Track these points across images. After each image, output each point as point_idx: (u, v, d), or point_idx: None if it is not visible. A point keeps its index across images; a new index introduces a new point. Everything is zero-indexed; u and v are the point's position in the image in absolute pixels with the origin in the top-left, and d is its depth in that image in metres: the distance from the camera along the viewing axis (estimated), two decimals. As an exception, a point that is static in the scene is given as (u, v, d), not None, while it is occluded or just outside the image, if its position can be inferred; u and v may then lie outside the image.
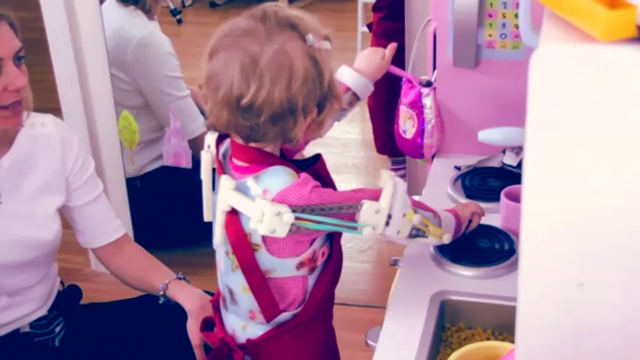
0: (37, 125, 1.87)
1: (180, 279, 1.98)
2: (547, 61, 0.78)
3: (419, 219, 1.50)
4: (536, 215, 0.86)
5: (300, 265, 1.49)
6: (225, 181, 1.44)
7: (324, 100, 1.43)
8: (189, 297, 1.92)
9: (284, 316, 1.54)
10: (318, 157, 1.54)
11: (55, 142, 1.91)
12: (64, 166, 1.93)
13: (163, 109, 2.94)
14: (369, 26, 3.58)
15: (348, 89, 1.77)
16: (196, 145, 2.89)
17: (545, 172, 0.83)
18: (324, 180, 1.50)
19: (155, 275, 1.99)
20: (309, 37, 1.38)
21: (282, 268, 1.48)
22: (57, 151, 1.92)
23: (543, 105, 0.80)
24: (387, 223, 1.43)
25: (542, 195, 0.85)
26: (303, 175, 1.42)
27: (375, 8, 3.41)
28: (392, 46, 1.87)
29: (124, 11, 2.91)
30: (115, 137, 2.89)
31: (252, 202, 1.38)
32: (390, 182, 1.44)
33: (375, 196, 1.44)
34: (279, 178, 1.41)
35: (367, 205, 1.41)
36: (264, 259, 1.47)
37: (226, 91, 1.37)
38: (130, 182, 3.01)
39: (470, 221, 1.68)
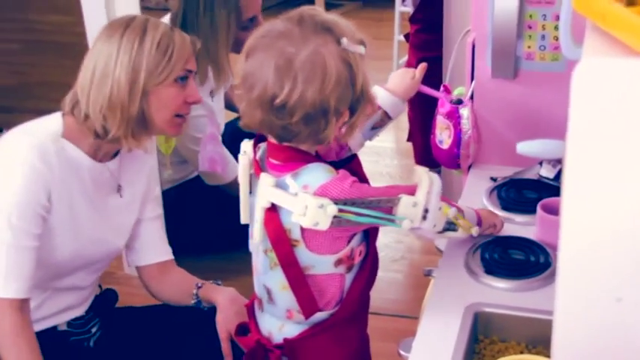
0: None
1: (216, 284, 2.02)
2: (590, 74, 0.78)
3: (454, 212, 1.56)
4: (576, 228, 0.85)
5: (338, 263, 1.51)
6: (265, 178, 1.46)
7: (357, 103, 1.45)
8: (221, 293, 1.98)
9: (321, 316, 1.55)
10: (354, 157, 1.58)
11: (144, 158, 2.03)
12: (148, 180, 2.04)
13: (192, 160, 2.97)
14: (406, 36, 3.58)
15: (379, 108, 1.79)
16: (231, 186, 2.89)
17: (585, 185, 0.83)
18: (360, 178, 1.52)
19: (192, 286, 2.02)
20: (344, 40, 1.40)
21: (320, 264, 1.50)
22: (145, 165, 2.04)
23: (585, 118, 0.80)
24: (424, 217, 1.47)
25: (582, 208, 0.84)
26: (342, 170, 1.46)
27: (412, 20, 3.41)
28: (422, 66, 1.90)
29: None
30: (153, 150, 2.90)
31: (294, 197, 1.41)
32: (425, 177, 1.48)
33: (411, 191, 1.47)
34: (318, 173, 1.44)
35: (405, 199, 1.45)
36: (303, 255, 1.48)
37: (260, 90, 1.39)
38: (165, 193, 3.02)
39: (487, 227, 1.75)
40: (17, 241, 1.72)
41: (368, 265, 1.56)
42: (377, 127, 1.83)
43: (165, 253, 2.11)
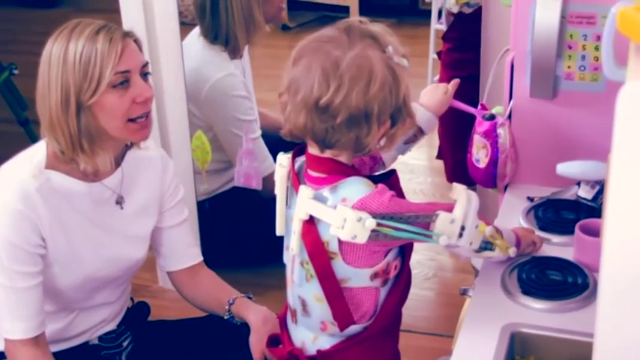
0: (142, 148, 1.92)
1: (247, 298, 2.01)
2: (635, 96, 0.78)
3: (491, 231, 1.55)
4: (618, 250, 0.85)
5: (374, 276, 1.52)
6: (304, 190, 1.48)
7: (398, 113, 1.47)
8: (253, 311, 1.95)
9: (355, 329, 1.56)
10: (392, 172, 1.59)
11: (156, 165, 1.98)
12: (162, 187, 1.99)
13: (233, 149, 2.97)
14: (439, 54, 3.57)
15: None
16: (266, 184, 2.91)
17: (629, 207, 0.82)
18: (398, 193, 1.52)
19: (224, 296, 2.01)
20: (389, 48, 1.44)
21: (356, 277, 1.51)
22: (158, 172, 1.98)
23: (629, 140, 0.79)
24: (461, 235, 1.48)
25: (624, 230, 0.84)
26: (380, 185, 1.47)
27: (445, 38, 3.39)
28: (454, 82, 1.91)
29: (208, 49, 2.94)
30: (188, 160, 2.92)
31: (332, 210, 1.43)
32: (463, 194, 1.49)
33: (449, 208, 1.49)
34: (357, 187, 1.46)
35: (443, 216, 1.46)
36: (340, 268, 1.50)
37: (306, 93, 1.42)
38: (200, 204, 3.04)
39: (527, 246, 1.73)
40: (13, 282, 1.73)
41: (403, 280, 1.58)
42: (410, 142, 1.84)
43: (194, 257, 2.09)
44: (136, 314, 2.13)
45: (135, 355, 2.06)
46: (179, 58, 2.81)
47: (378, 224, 1.41)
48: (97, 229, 1.87)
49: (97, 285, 1.91)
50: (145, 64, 1.81)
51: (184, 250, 2.07)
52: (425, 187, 3.85)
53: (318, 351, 1.60)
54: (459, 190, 1.50)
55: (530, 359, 1.51)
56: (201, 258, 2.11)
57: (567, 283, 1.64)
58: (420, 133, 1.84)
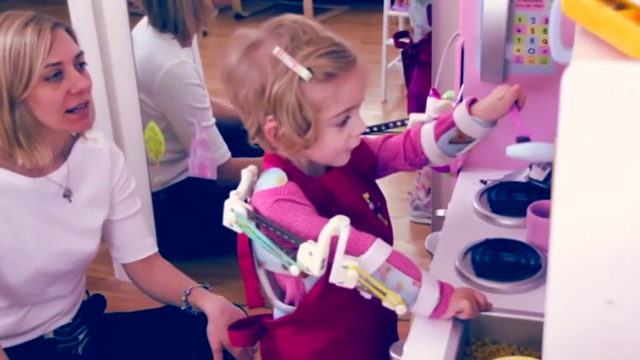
0: (89, 141, 1.91)
1: (204, 288, 2.00)
2: (580, 77, 0.78)
3: (354, 276, 1.37)
4: (566, 230, 0.86)
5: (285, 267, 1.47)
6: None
7: (277, 114, 1.45)
8: (210, 301, 1.95)
9: (292, 309, 1.58)
10: (328, 169, 1.56)
11: (105, 157, 1.96)
12: (111, 179, 1.98)
13: (187, 137, 2.96)
14: (396, 39, 3.57)
15: (452, 124, 1.68)
16: (221, 173, 2.91)
17: (576, 187, 0.83)
18: (331, 196, 1.52)
19: (180, 286, 2.01)
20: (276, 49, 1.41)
21: (271, 263, 1.53)
22: (106, 165, 1.97)
23: (575, 121, 0.80)
24: (325, 268, 1.38)
25: (572, 211, 0.84)
26: (290, 183, 1.47)
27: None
28: (514, 88, 1.67)
29: (158, 37, 2.92)
30: (141, 151, 2.90)
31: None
32: (328, 229, 1.37)
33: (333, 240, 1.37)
34: (267, 178, 1.50)
35: (304, 246, 1.38)
36: (259, 250, 1.53)
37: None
38: (154, 195, 3.02)
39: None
40: None
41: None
42: (456, 143, 1.69)
43: (148, 248, 2.09)
44: (92, 307, 2.12)
45: (91, 348, 2.04)
46: (129, 48, 2.79)
47: (238, 221, 1.46)
48: (45, 223, 1.85)
49: (49, 280, 1.90)
50: (80, 54, 1.79)
51: (138, 241, 2.06)
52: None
53: (265, 320, 1.64)
54: (333, 225, 1.38)
55: (485, 341, 1.52)
56: (156, 249, 2.10)
57: (520, 264, 1.65)
58: (463, 134, 1.67)
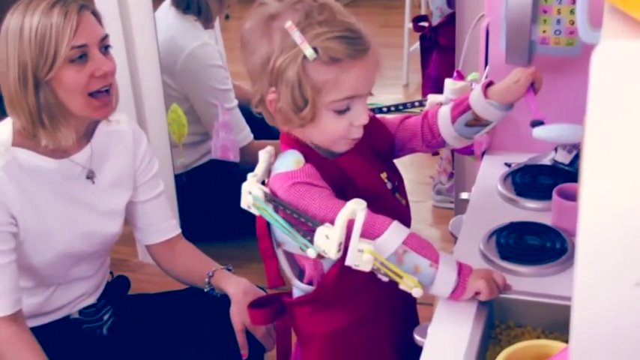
0: (112, 122, 1.92)
1: (227, 270, 2.01)
2: (609, 57, 0.77)
3: (370, 260, 1.37)
4: (594, 213, 0.85)
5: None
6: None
7: (278, 86, 1.45)
8: (233, 283, 1.96)
9: (310, 288, 1.58)
10: (345, 153, 1.54)
11: (128, 139, 1.98)
12: (134, 161, 1.99)
13: (210, 119, 2.96)
14: (415, 23, 3.54)
15: (468, 107, 1.65)
16: (244, 155, 2.91)
17: (604, 170, 0.82)
18: (348, 177, 1.51)
19: (203, 268, 2.01)
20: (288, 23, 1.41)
21: (289, 244, 1.53)
22: (129, 146, 1.98)
23: (604, 102, 0.79)
24: (342, 251, 1.38)
25: (600, 193, 0.83)
26: (307, 165, 1.47)
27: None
28: (530, 71, 1.65)
29: (181, 19, 2.92)
30: (164, 133, 2.91)
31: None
32: (345, 212, 1.37)
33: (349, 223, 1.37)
34: (284, 160, 1.49)
35: (320, 229, 1.38)
36: (277, 231, 1.53)
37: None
38: (177, 178, 3.03)
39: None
40: None
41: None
42: (472, 126, 1.66)
43: (171, 229, 2.11)
44: (116, 288, 2.14)
45: (116, 329, 2.06)
46: (152, 31, 2.79)
47: (255, 204, 1.45)
48: (69, 204, 1.86)
49: (73, 260, 1.91)
50: (105, 37, 1.79)
51: (161, 223, 2.07)
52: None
53: (284, 298, 1.64)
54: (348, 204, 1.38)
55: (509, 324, 1.51)
56: (178, 230, 2.11)
57: (546, 247, 1.64)
58: (479, 117, 1.65)
